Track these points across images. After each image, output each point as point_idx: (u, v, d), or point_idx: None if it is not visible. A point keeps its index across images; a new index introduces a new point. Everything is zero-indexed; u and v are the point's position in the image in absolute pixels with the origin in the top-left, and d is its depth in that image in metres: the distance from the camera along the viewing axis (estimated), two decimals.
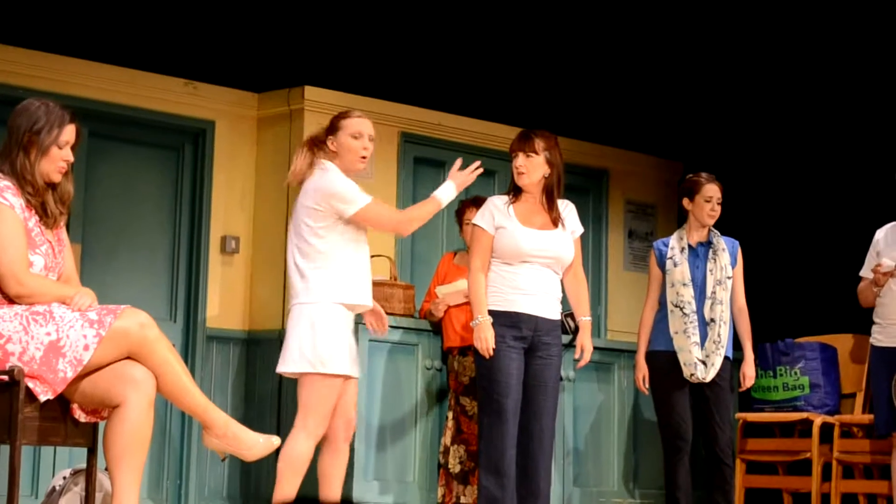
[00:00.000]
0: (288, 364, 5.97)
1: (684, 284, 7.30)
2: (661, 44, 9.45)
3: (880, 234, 7.49)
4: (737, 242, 7.48)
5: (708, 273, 7.32)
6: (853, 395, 8.58)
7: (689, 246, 7.39)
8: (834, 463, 8.25)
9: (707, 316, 7.28)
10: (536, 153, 6.51)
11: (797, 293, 9.23)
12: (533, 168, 6.52)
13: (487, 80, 9.38)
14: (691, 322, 7.26)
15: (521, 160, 6.53)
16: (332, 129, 6.12)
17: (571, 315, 8.37)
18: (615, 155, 9.82)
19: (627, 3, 9.12)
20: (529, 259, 6.48)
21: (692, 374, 7.23)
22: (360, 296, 6.05)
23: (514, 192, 6.60)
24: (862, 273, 7.55)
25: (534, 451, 6.49)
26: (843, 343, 8.64)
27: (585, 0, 9.09)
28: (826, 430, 8.28)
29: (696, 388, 7.31)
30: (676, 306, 7.31)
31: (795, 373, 8.47)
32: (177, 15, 8.36)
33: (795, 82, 9.34)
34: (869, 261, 7.50)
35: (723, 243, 7.40)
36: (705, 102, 9.74)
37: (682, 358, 7.26)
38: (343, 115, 6.17)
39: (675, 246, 7.41)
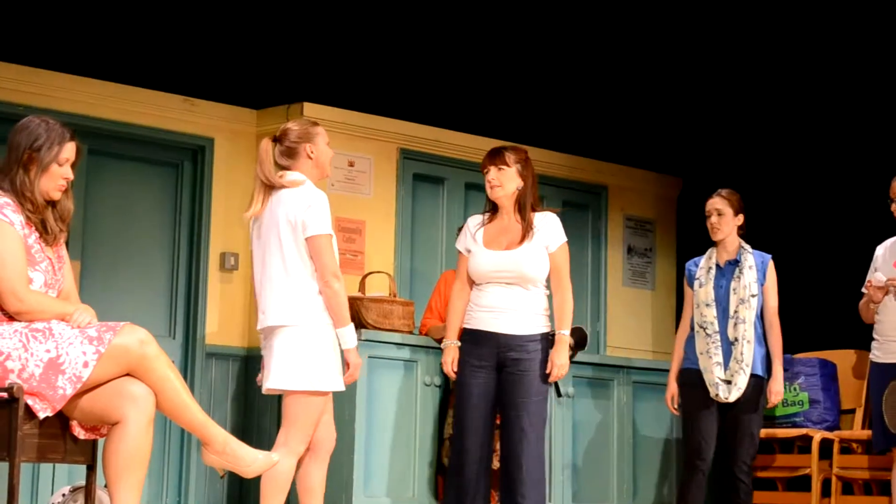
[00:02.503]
0: (277, 381, 5.92)
1: (707, 305, 7.34)
2: (660, 60, 9.46)
3: (880, 250, 7.49)
4: (768, 257, 7.46)
5: (731, 292, 7.34)
6: (853, 411, 8.57)
7: (718, 265, 7.41)
8: (833, 479, 8.24)
9: (731, 335, 7.30)
10: (508, 165, 6.62)
11: (797, 309, 9.23)
12: (506, 180, 6.62)
13: (486, 96, 9.40)
14: (713, 342, 7.30)
15: (493, 174, 6.64)
16: (305, 137, 6.06)
17: (570, 331, 8.37)
18: (614, 171, 9.83)
19: (625, 20, 9.14)
20: (492, 279, 6.60)
21: (716, 395, 7.28)
22: None
23: (491, 210, 6.70)
24: (863, 290, 7.55)
25: (509, 465, 6.58)
26: (843, 359, 8.63)
27: (583, 17, 9.11)
28: (825, 445, 8.28)
29: (723, 408, 7.34)
30: (701, 327, 7.37)
31: (795, 388, 8.46)
32: (175, 32, 8.37)
33: (794, 97, 9.35)
34: (869, 277, 7.51)
35: (751, 260, 7.38)
36: (704, 117, 9.75)
37: (706, 378, 7.31)
38: (311, 124, 6.14)
39: (703, 266, 7.45)
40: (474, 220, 6.76)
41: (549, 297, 6.72)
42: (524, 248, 6.58)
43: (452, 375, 6.68)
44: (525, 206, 6.62)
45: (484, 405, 6.59)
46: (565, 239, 6.70)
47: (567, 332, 6.64)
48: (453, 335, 6.71)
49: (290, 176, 6.05)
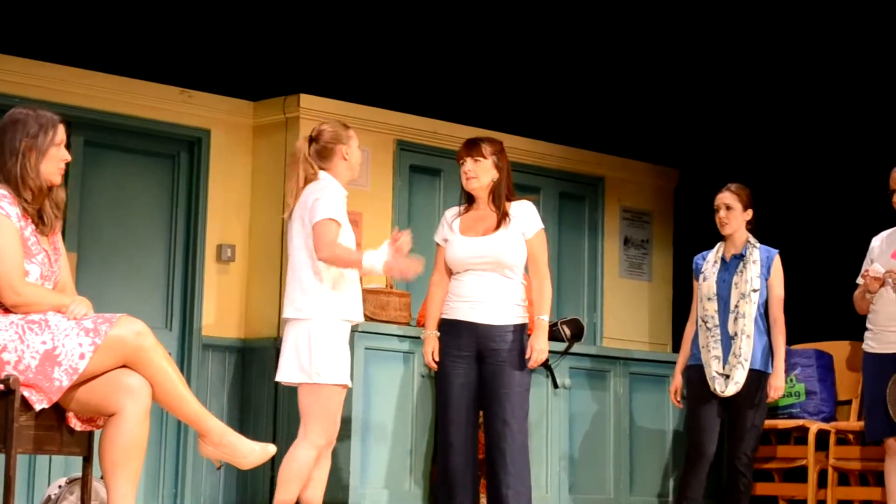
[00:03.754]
0: (284, 374, 6.09)
1: (709, 299, 7.40)
2: (657, 51, 9.46)
3: (876, 241, 7.49)
4: (774, 252, 7.47)
5: (733, 286, 7.36)
6: (849, 402, 8.57)
7: (724, 259, 7.44)
8: (829, 470, 8.25)
9: (731, 330, 7.34)
10: (484, 157, 6.66)
11: (793, 300, 9.23)
12: (482, 172, 6.66)
13: (483, 87, 9.39)
14: (713, 337, 7.36)
15: (469, 165, 6.68)
16: (340, 139, 6.20)
17: (567, 322, 8.39)
18: (611, 162, 9.83)
19: (622, 12, 9.14)
20: (470, 266, 6.63)
21: (714, 389, 7.34)
22: (356, 312, 6.19)
23: (467, 201, 6.74)
24: (858, 280, 7.56)
25: (493, 457, 6.60)
26: (839, 350, 8.64)
27: (580, 8, 9.11)
28: (822, 437, 8.28)
29: (726, 402, 7.40)
30: (703, 320, 7.43)
31: (791, 380, 8.46)
32: (172, 23, 8.36)
33: (790, 88, 9.35)
34: (866, 267, 7.51)
35: (756, 255, 7.40)
36: (701, 109, 9.74)
37: (706, 372, 7.38)
38: (345, 126, 6.28)
39: (710, 259, 7.50)
40: (451, 212, 6.81)
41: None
42: (500, 233, 6.62)
43: (433, 366, 6.71)
44: (500, 196, 6.66)
45: (466, 396, 6.62)
46: (542, 226, 6.74)
47: (546, 317, 6.67)
48: (432, 325, 6.73)
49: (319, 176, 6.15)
